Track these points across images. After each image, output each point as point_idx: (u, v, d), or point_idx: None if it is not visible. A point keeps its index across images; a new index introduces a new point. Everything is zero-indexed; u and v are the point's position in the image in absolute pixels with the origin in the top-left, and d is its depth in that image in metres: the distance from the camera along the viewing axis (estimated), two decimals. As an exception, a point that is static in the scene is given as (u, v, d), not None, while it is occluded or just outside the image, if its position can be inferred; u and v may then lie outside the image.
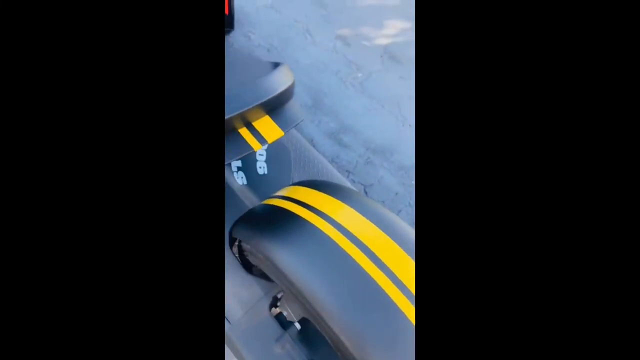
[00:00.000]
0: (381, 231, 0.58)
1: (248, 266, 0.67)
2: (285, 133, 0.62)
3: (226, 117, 0.55)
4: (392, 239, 0.56)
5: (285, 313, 0.66)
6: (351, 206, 0.63)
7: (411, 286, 0.51)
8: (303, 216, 0.60)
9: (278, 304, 0.68)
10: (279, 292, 0.67)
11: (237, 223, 0.67)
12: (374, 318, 0.48)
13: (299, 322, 0.64)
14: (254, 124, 0.59)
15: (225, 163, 0.60)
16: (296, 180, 0.86)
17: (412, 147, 1.56)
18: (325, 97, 1.67)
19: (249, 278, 0.66)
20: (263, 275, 0.67)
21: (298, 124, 0.66)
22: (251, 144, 0.58)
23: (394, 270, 0.52)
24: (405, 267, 0.53)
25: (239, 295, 0.65)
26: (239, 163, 0.81)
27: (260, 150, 0.73)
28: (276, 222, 0.60)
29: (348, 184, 0.92)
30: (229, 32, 1.15)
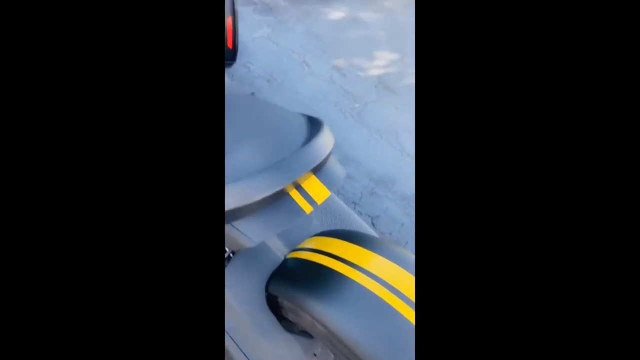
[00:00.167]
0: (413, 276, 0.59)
1: (287, 324, 0.65)
2: (331, 193, 0.62)
3: (283, 184, 0.54)
4: None
5: None
6: (382, 255, 0.63)
7: None
8: (341, 271, 0.60)
9: None
10: (317, 349, 0.65)
11: (273, 279, 0.65)
12: None
13: None
14: (302, 185, 0.58)
15: (278, 231, 0.59)
16: (316, 223, 0.85)
17: (412, 177, 1.58)
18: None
19: (289, 336, 0.64)
20: (302, 332, 0.65)
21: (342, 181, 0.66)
22: (303, 207, 0.57)
23: None
24: None
25: (281, 356, 0.63)
26: None
27: None
28: (317, 279, 0.59)
29: (366, 226, 0.92)
30: (231, 64, 1.14)
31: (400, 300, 0.56)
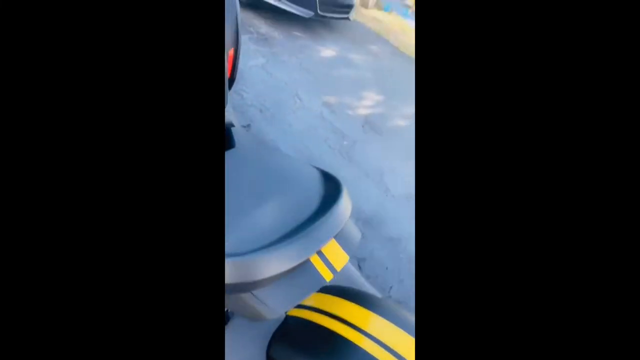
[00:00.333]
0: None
1: None
2: (349, 257, 0.59)
3: (309, 255, 0.51)
4: None
5: None
6: (384, 317, 0.61)
7: None
8: (345, 335, 0.57)
9: None
10: None
11: (275, 343, 0.60)
12: None
13: None
14: (323, 250, 0.54)
15: (299, 301, 0.55)
16: None
17: (396, 218, 1.59)
18: (316, 164, 1.67)
19: None
20: None
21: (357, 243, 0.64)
22: (323, 274, 0.54)
23: None
24: None
25: None
26: None
27: None
28: (321, 344, 0.56)
29: (363, 281, 0.89)
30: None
31: None
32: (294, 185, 0.62)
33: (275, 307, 0.49)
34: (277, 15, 2.78)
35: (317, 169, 0.69)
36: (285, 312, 0.67)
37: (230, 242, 0.49)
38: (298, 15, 2.75)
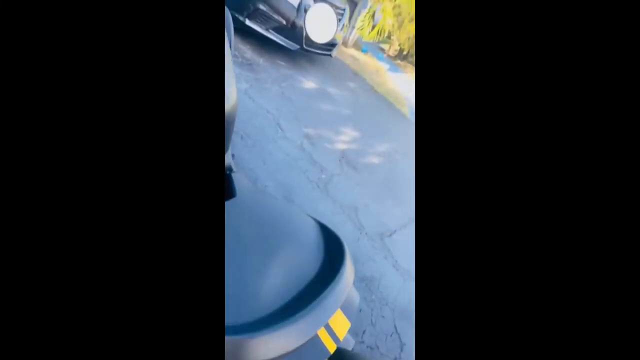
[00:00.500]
0: None
1: None
2: (350, 323, 0.55)
3: (316, 330, 0.46)
4: None
5: None
6: None
7: None
8: None
9: None
10: None
11: None
12: None
13: None
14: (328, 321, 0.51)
15: None
16: None
17: (369, 258, 1.58)
18: (296, 196, 1.63)
19: None
20: None
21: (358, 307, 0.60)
22: (327, 346, 0.49)
23: None
24: None
25: None
26: None
27: None
28: None
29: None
30: None
31: None
32: (295, 243, 0.58)
33: None
34: (263, 43, 2.79)
35: (317, 222, 0.66)
36: None
37: (230, 308, 0.44)
38: (283, 46, 2.78)
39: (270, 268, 0.52)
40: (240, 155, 1.64)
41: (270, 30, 2.65)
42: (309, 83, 2.92)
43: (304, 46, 2.78)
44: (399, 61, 5.59)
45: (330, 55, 3.20)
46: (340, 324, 0.53)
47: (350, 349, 0.69)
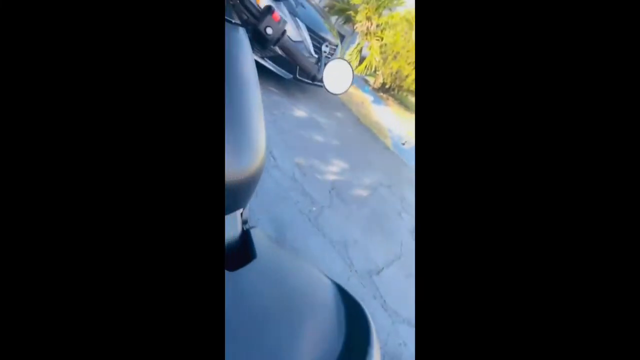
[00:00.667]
0: None
1: None
2: None
3: None
4: None
5: None
6: None
7: None
8: None
9: None
10: None
11: None
12: None
13: None
14: None
15: None
16: None
17: (358, 297, 1.52)
18: (287, 230, 1.56)
19: None
20: None
21: None
22: None
23: None
24: None
25: None
26: None
27: None
28: None
29: None
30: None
31: None
32: (319, 314, 0.53)
33: None
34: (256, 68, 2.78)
35: (340, 289, 0.60)
36: None
37: None
38: (276, 74, 2.78)
39: (295, 346, 0.46)
40: (232, 185, 1.57)
41: (266, 59, 2.65)
42: (299, 112, 2.92)
43: (297, 76, 2.79)
44: (381, 94, 5.78)
45: (322, 86, 3.24)
46: None
47: None
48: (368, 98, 4.97)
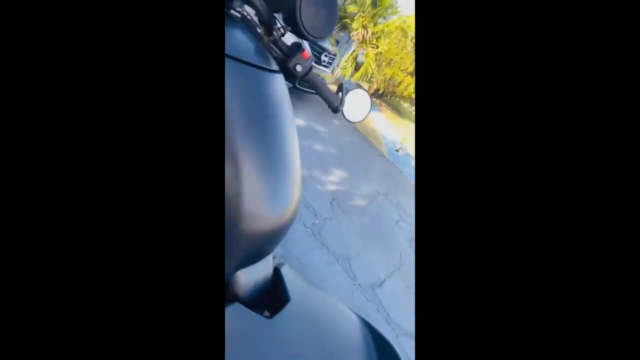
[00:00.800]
0: None
1: None
2: None
3: None
4: None
5: None
6: None
7: None
8: None
9: None
10: None
11: None
12: None
13: None
14: None
15: None
16: None
17: (363, 311, 1.52)
18: (292, 246, 1.55)
19: None
20: None
21: None
22: None
23: None
24: None
25: None
26: None
27: None
28: None
29: None
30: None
31: None
32: (351, 357, 0.52)
33: None
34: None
35: (369, 327, 0.60)
36: None
37: None
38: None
39: None
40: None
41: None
42: (298, 120, 2.90)
43: (297, 85, 2.78)
44: (375, 99, 5.82)
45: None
46: None
47: None
48: (362, 104, 4.98)
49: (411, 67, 5.28)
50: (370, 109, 0.83)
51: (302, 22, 0.57)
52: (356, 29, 4.82)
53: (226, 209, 0.47)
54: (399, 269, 1.97)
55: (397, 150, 4.09)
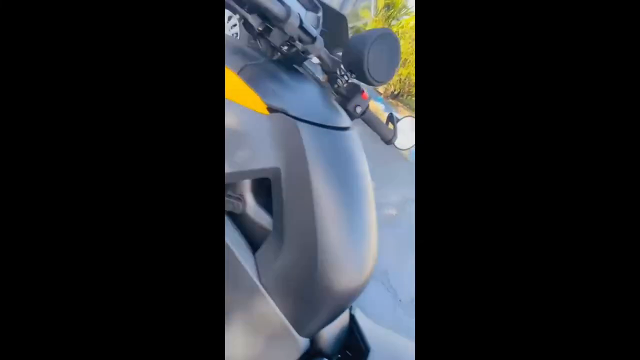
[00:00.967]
0: None
1: None
2: None
3: None
4: None
5: None
6: None
7: None
8: None
9: None
10: None
11: None
12: None
13: None
14: None
15: None
16: None
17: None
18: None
19: None
20: None
21: None
22: None
23: None
24: None
25: None
26: None
27: None
28: None
29: None
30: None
31: None
32: None
33: None
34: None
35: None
36: None
37: None
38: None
39: None
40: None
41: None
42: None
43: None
44: (390, 100, 5.73)
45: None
46: None
47: None
48: (380, 107, 4.92)
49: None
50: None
51: (368, 70, 0.56)
52: (370, 33, 4.76)
53: (315, 271, 0.48)
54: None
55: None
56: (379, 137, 0.77)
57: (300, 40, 0.55)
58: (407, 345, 0.62)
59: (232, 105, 0.50)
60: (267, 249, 0.51)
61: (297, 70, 0.62)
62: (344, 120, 0.57)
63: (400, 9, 4.73)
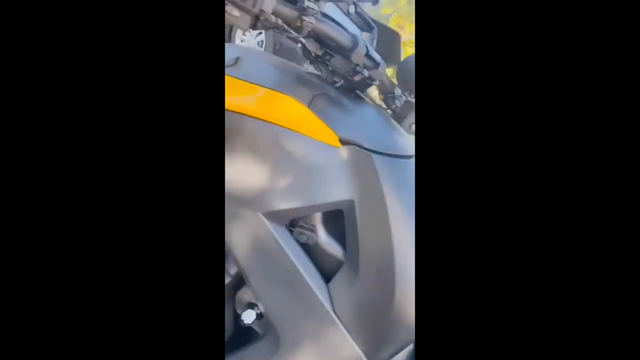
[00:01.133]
0: None
1: None
2: None
3: None
4: None
5: None
6: None
7: None
8: None
9: None
10: None
11: None
12: None
13: None
14: None
15: None
16: None
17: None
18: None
19: None
20: None
21: None
22: None
23: None
24: None
25: None
26: None
27: None
28: None
29: None
30: None
31: None
32: None
33: None
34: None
35: None
36: None
37: None
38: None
39: None
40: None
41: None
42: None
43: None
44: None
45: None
46: None
47: None
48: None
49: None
50: None
51: None
52: (392, 30, 4.66)
53: (392, 300, 0.48)
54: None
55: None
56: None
57: (366, 67, 0.54)
58: None
59: (304, 138, 0.50)
60: (340, 279, 0.51)
61: (358, 95, 0.62)
62: (410, 147, 0.57)
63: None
